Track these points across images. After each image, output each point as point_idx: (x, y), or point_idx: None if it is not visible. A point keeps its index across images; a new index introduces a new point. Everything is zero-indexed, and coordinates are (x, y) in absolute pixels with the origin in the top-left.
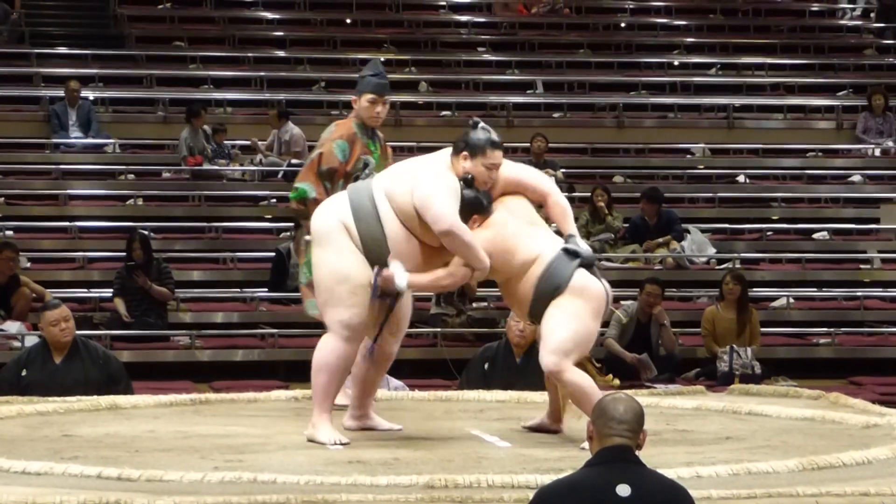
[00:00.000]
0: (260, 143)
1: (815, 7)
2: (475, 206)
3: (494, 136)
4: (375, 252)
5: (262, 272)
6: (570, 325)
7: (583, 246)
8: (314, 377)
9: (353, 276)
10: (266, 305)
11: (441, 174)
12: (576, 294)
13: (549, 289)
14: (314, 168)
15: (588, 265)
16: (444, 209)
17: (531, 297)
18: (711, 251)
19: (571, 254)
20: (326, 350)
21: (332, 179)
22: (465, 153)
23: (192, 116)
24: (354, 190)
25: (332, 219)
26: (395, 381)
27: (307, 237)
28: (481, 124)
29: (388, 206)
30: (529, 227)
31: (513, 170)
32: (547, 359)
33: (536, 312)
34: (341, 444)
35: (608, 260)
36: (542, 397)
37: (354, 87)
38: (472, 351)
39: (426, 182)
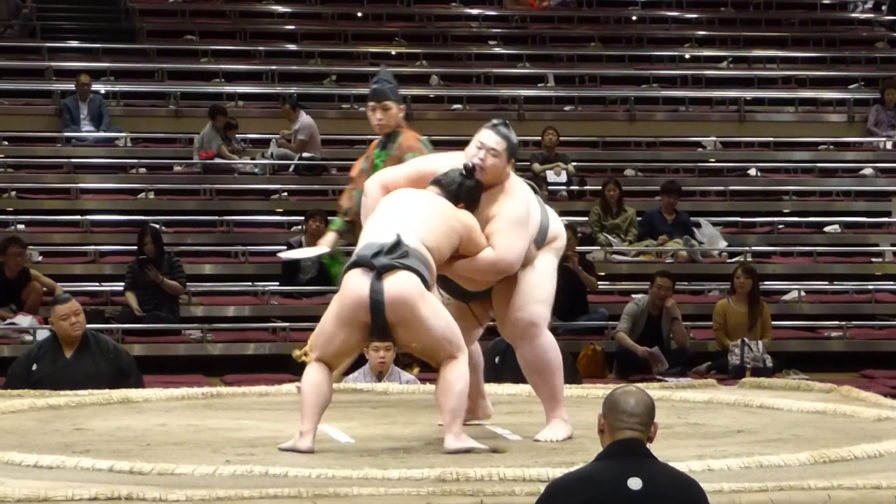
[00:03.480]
0: (276, 136)
1: (827, 0)
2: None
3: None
4: None
5: (274, 266)
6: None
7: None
8: (547, 378)
9: None
10: (277, 299)
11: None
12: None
13: None
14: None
15: (362, 265)
16: None
17: None
18: (723, 244)
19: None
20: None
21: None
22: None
23: (215, 114)
24: None
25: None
26: (406, 375)
27: None
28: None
29: None
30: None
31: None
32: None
33: None
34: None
35: (620, 253)
36: None
37: (366, 81)
38: (483, 345)
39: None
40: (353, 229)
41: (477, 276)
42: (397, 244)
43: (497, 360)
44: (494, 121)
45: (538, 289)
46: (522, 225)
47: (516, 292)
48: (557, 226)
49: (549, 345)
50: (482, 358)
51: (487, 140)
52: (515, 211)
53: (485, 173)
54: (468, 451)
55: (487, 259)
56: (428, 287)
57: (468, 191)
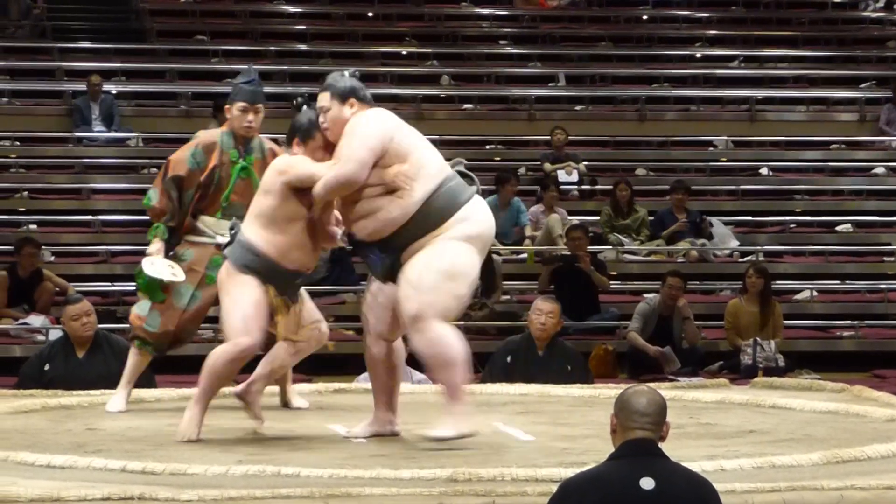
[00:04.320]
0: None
1: None
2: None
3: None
4: None
5: None
6: None
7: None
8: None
9: None
10: None
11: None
12: None
13: None
14: (161, 175)
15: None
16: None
17: None
18: (734, 244)
19: None
20: None
21: (181, 188)
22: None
23: (218, 111)
24: None
25: None
26: (418, 375)
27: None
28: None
29: None
30: None
31: None
32: None
33: None
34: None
35: (631, 253)
36: (563, 390)
37: (377, 81)
38: (495, 344)
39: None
40: (175, 233)
41: (330, 196)
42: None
43: (509, 359)
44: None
45: (425, 277)
46: (358, 136)
47: (399, 282)
48: (481, 216)
49: (437, 338)
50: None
51: (319, 101)
52: (351, 127)
53: (329, 132)
54: None
55: (328, 177)
56: (248, 270)
57: (300, 126)
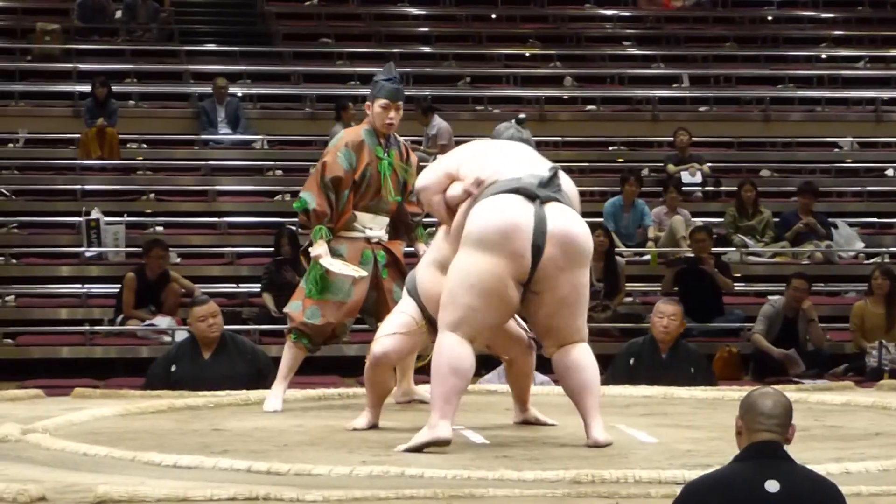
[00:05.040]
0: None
1: None
2: None
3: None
4: None
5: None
6: None
7: None
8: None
9: None
10: None
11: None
12: None
13: None
14: (318, 178)
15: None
16: None
17: None
18: (860, 245)
19: None
20: None
21: (338, 189)
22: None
23: (340, 110)
24: None
25: None
26: (541, 377)
27: (311, 249)
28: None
29: None
30: None
31: None
32: None
33: None
34: None
35: (755, 254)
36: (687, 392)
37: (500, 83)
38: (618, 346)
39: None
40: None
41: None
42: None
43: (632, 361)
44: None
45: (444, 292)
46: (435, 165)
47: None
48: (484, 217)
49: (438, 350)
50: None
51: None
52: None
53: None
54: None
55: None
56: None
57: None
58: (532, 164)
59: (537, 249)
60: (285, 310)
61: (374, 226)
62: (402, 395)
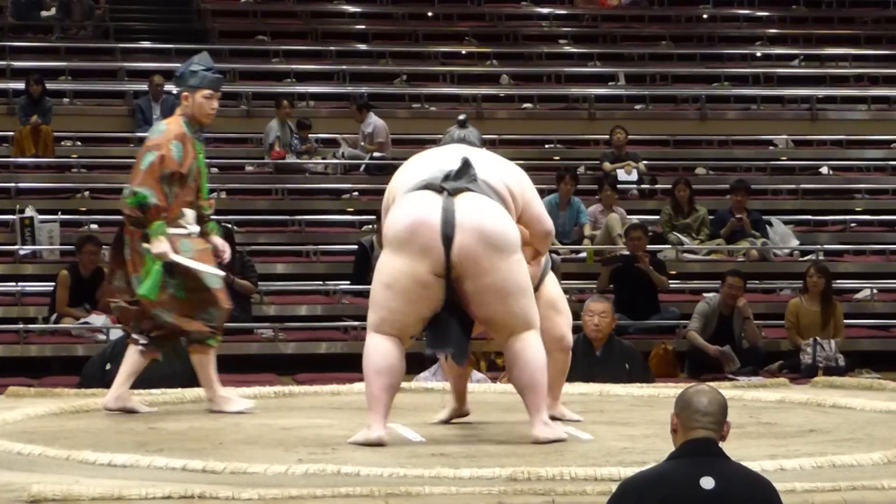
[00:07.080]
0: (345, 137)
1: None
2: None
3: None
4: None
5: (345, 265)
6: None
7: None
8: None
9: None
10: (349, 298)
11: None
12: None
13: None
14: (155, 172)
15: None
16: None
17: None
18: (795, 243)
19: None
20: None
21: (172, 183)
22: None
23: (278, 106)
24: None
25: None
26: (477, 374)
27: (146, 245)
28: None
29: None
30: None
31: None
32: None
33: None
34: None
35: (691, 252)
36: (623, 390)
37: (437, 81)
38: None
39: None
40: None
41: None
42: None
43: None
44: None
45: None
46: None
47: None
48: (394, 218)
49: (364, 352)
50: None
51: None
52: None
53: None
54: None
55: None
56: None
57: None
58: (451, 160)
59: (447, 240)
60: (186, 327)
61: (193, 222)
62: None
